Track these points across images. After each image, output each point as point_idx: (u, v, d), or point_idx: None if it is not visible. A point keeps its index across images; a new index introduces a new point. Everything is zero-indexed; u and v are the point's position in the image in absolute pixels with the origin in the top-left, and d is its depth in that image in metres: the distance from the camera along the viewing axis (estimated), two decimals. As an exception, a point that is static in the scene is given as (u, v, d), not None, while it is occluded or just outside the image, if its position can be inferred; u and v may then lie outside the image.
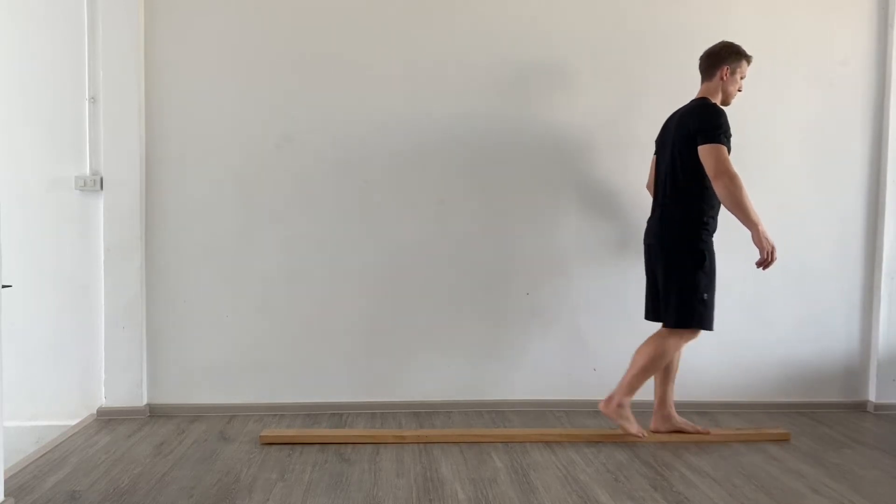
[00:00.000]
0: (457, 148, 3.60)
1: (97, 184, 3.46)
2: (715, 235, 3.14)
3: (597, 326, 3.68)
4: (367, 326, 3.63)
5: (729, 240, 3.73)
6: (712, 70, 3.18)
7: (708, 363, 3.72)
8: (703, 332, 3.68)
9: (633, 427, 3.19)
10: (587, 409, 3.64)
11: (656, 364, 3.13)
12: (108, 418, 3.46)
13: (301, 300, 3.59)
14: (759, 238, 2.99)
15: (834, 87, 3.73)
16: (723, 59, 3.16)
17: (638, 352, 3.16)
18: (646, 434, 3.21)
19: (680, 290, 3.08)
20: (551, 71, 3.63)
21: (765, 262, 3.02)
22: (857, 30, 3.73)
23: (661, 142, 3.28)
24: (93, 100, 3.46)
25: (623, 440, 3.19)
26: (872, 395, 3.77)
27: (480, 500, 2.56)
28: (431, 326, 3.65)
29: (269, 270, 3.58)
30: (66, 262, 3.50)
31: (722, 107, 3.14)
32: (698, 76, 3.25)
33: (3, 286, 2.31)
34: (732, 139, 3.05)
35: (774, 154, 3.72)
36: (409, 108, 3.58)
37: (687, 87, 3.29)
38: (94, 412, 3.51)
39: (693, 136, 3.03)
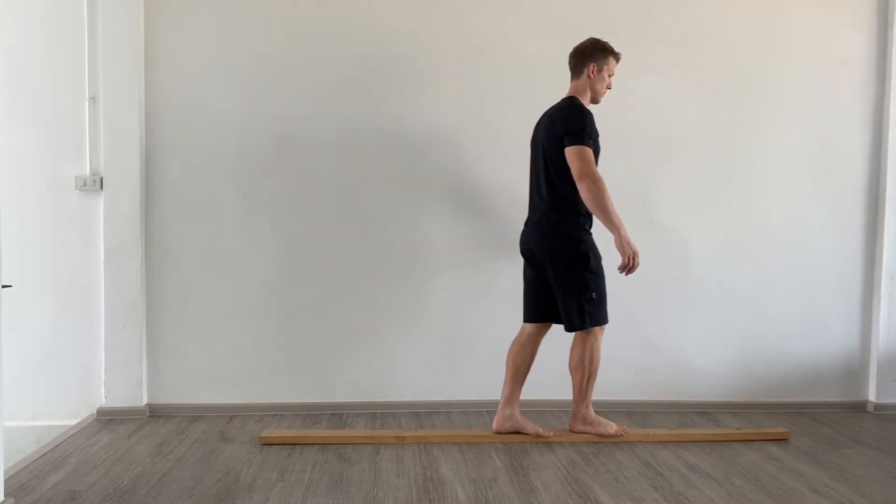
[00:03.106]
0: (460, 146, 3.61)
1: (97, 184, 3.46)
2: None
3: (597, 326, 3.69)
4: (367, 326, 3.62)
5: (728, 239, 3.74)
6: (580, 68, 3.10)
7: (708, 363, 3.73)
8: (700, 333, 3.72)
9: (611, 428, 3.19)
10: (587, 409, 3.65)
11: (593, 368, 3.12)
12: (108, 418, 3.46)
13: (301, 300, 3.60)
14: (620, 243, 2.93)
15: (834, 86, 3.73)
16: (589, 57, 3.08)
17: (570, 367, 3.16)
18: (627, 430, 3.22)
19: (568, 293, 3.05)
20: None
21: (626, 268, 2.96)
22: (857, 30, 3.72)
23: (532, 143, 3.23)
24: (93, 100, 3.46)
25: (622, 440, 3.19)
26: (872, 395, 3.77)
27: (480, 500, 2.56)
28: (432, 326, 3.65)
29: (269, 270, 3.58)
30: (66, 262, 3.50)
31: (591, 104, 3.11)
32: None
33: (3, 286, 2.31)
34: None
35: (775, 154, 3.72)
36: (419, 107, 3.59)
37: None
38: (94, 412, 3.51)
39: (561, 138, 3.00)
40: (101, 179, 3.46)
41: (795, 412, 3.71)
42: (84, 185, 3.46)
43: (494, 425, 3.22)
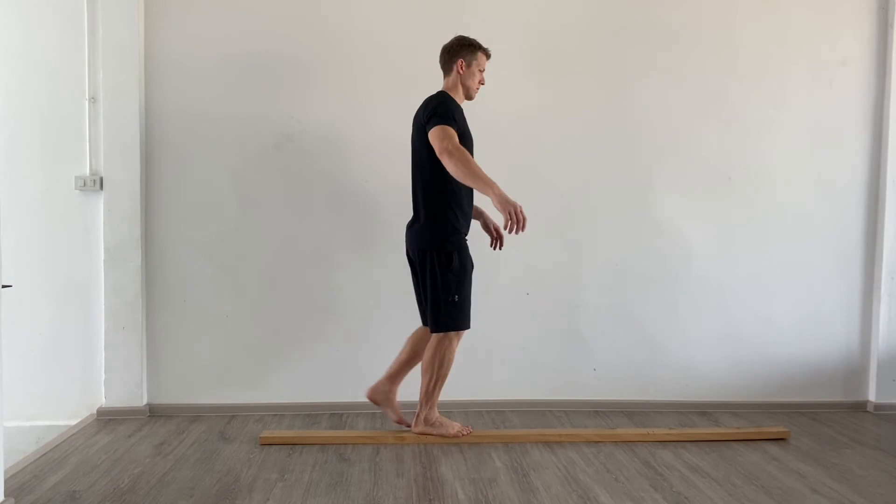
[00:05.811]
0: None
1: (97, 184, 3.46)
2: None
3: (597, 326, 3.68)
4: (367, 326, 3.62)
5: (729, 239, 3.74)
6: (449, 65, 3.12)
7: (708, 363, 3.73)
8: (700, 333, 3.72)
9: (452, 428, 3.18)
10: (587, 409, 3.65)
11: (442, 372, 3.11)
12: (108, 418, 3.46)
13: (301, 300, 3.59)
14: (498, 201, 2.81)
15: (834, 87, 3.73)
16: (456, 53, 3.10)
17: (422, 367, 3.15)
18: (470, 430, 3.21)
19: (432, 293, 3.05)
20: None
21: (510, 223, 2.80)
22: (857, 30, 3.72)
23: (411, 142, 3.17)
24: (93, 100, 3.46)
25: (622, 440, 3.19)
26: (872, 395, 3.77)
27: (480, 500, 2.56)
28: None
29: (269, 270, 3.58)
30: (66, 262, 3.50)
31: (466, 101, 3.12)
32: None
33: (3, 286, 2.31)
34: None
35: (775, 154, 3.72)
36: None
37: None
38: (94, 412, 3.51)
39: (424, 126, 2.99)
40: (101, 179, 3.46)
41: (795, 412, 3.71)
42: (84, 185, 3.46)
43: (368, 393, 3.25)
